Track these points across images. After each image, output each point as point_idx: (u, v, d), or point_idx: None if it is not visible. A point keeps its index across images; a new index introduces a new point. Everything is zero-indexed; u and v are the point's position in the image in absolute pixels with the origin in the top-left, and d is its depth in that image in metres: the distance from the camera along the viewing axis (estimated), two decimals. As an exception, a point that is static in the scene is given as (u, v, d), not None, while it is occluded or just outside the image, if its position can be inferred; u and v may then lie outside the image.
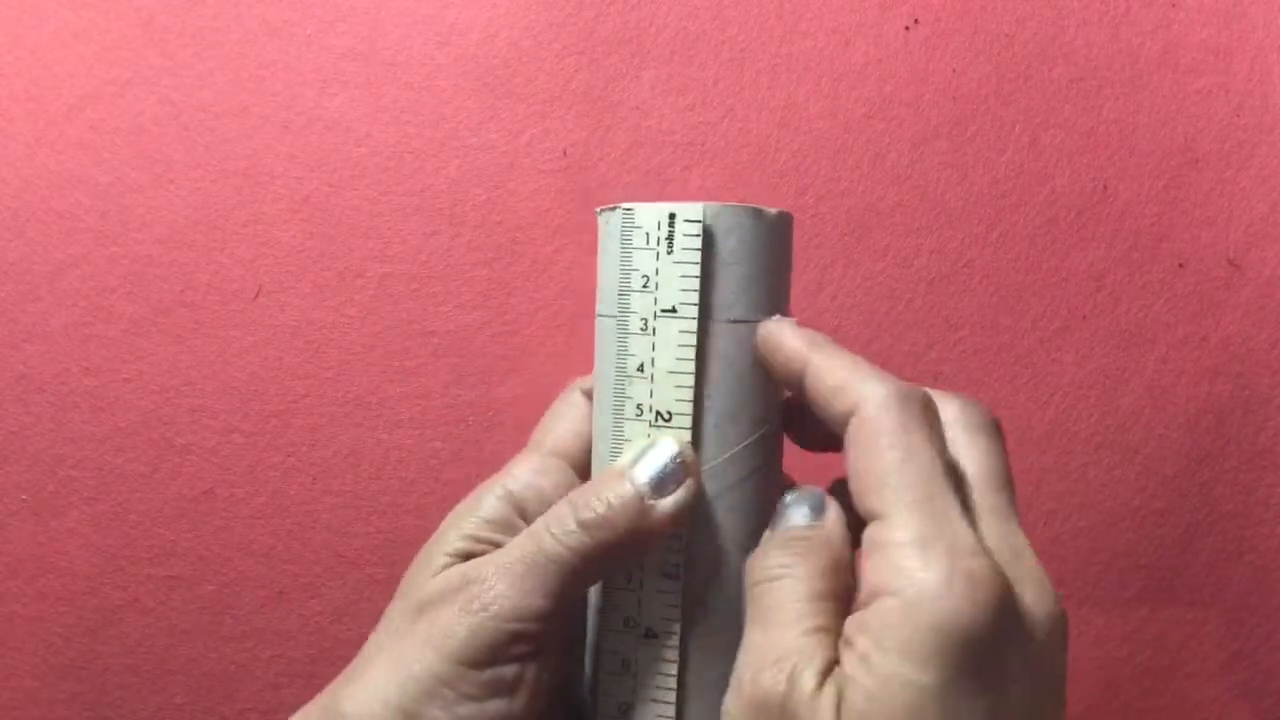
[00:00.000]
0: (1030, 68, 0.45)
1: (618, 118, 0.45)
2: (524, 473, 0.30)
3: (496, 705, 0.26)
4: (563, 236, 0.44)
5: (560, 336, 0.44)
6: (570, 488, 0.30)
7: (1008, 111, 0.44)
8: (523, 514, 0.29)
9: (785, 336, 0.27)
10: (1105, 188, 0.44)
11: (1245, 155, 0.44)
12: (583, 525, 0.26)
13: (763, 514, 0.28)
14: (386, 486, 0.44)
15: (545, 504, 0.29)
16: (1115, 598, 0.44)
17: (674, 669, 0.27)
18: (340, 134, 0.44)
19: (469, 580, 0.26)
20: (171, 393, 0.44)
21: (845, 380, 0.25)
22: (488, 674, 0.25)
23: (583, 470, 0.31)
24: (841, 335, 0.43)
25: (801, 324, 0.27)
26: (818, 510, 0.26)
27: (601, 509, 0.26)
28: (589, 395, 0.31)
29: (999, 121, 0.44)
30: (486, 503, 0.29)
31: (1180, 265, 0.44)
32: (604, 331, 0.28)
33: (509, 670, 0.26)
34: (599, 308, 0.29)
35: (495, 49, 0.45)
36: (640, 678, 0.27)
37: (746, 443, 0.28)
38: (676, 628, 0.27)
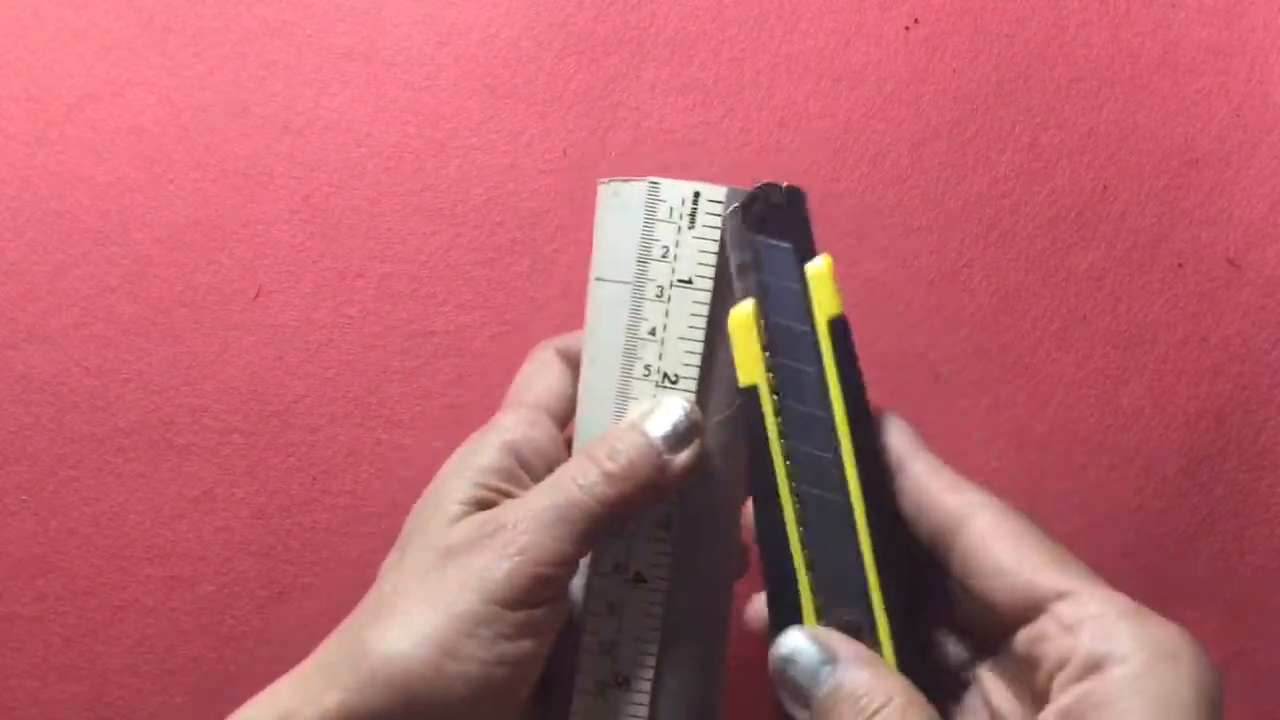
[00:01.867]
0: (1030, 68, 0.45)
1: (618, 118, 0.45)
2: (516, 424, 0.31)
3: (528, 645, 0.27)
4: (563, 236, 0.44)
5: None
6: (558, 440, 0.31)
7: (1008, 111, 0.44)
8: (521, 463, 0.30)
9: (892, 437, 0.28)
10: (1105, 188, 0.44)
11: (1245, 155, 0.44)
12: (607, 476, 0.27)
13: (743, 476, 0.31)
14: (386, 486, 0.44)
15: (540, 454, 0.30)
16: (1115, 598, 0.43)
17: (660, 611, 0.29)
18: (340, 134, 0.44)
19: (501, 526, 0.27)
20: (171, 393, 0.44)
21: (949, 488, 0.27)
22: (522, 615, 0.27)
23: (563, 425, 0.32)
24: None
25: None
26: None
27: (624, 461, 0.28)
28: (564, 355, 0.33)
29: (999, 121, 0.44)
30: (486, 453, 0.30)
31: (1180, 265, 0.44)
32: (609, 295, 0.30)
33: (539, 613, 0.27)
34: (601, 273, 0.30)
35: (495, 49, 0.45)
36: (626, 619, 0.29)
37: (737, 407, 0.30)
38: (665, 574, 0.29)
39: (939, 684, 0.27)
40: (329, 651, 0.28)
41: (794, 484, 0.28)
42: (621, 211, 0.30)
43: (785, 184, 0.29)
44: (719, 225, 0.29)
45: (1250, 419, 0.44)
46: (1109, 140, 0.44)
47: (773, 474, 0.28)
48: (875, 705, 0.24)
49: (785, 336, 0.28)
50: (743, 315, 0.29)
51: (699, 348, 0.29)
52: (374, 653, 0.26)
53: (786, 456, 0.28)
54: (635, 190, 0.30)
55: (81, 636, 0.43)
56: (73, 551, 0.43)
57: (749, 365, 0.29)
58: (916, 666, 0.27)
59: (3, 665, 0.43)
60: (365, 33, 0.45)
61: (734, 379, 0.30)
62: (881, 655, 0.27)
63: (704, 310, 0.29)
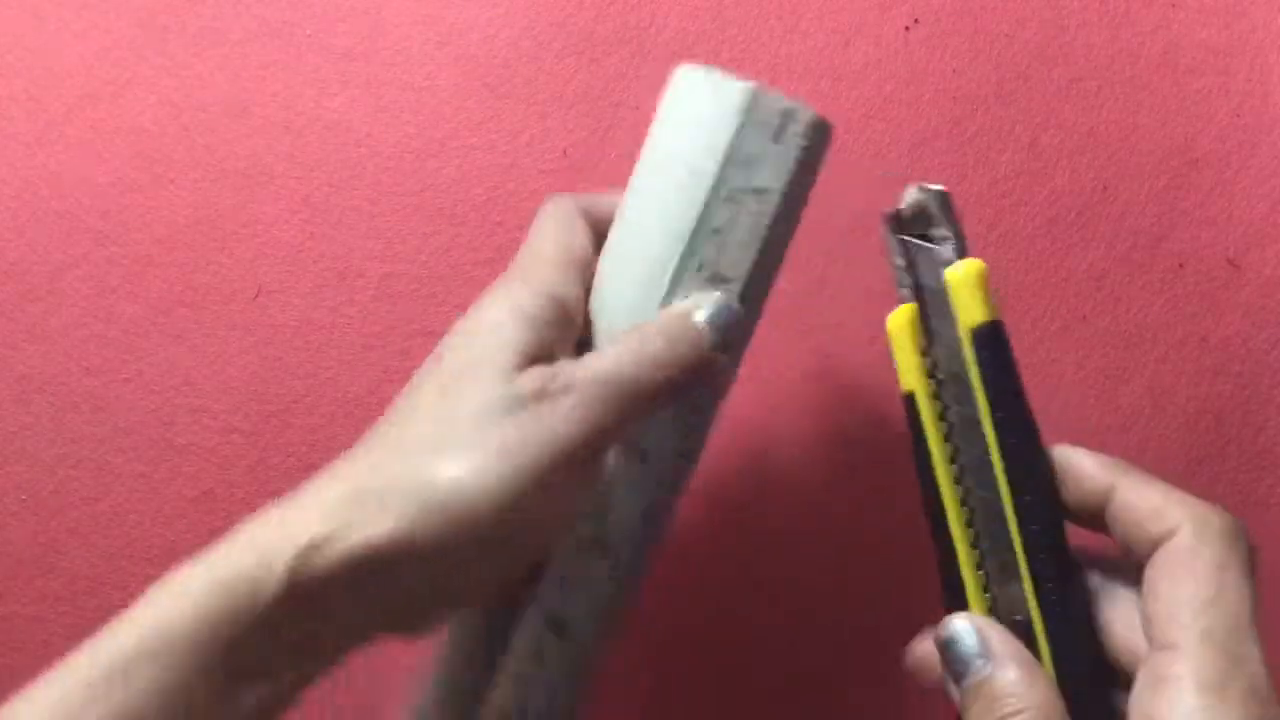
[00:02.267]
0: (1030, 68, 0.45)
1: (618, 118, 0.45)
2: (553, 279, 0.31)
3: (576, 503, 0.29)
4: (563, 236, 0.44)
5: (560, 336, 0.44)
6: (584, 301, 0.31)
7: (1008, 111, 0.44)
8: (564, 311, 0.30)
9: (1084, 463, 0.28)
10: (1105, 188, 0.44)
11: (1245, 155, 0.44)
12: (655, 361, 0.28)
13: (734, 376, 0.32)
14: (386, 486, 0.44)
15: (580, 311, 0.31)
16: (1115, 598, 0.43)
17: (653, 491, 0.31)
18: (340, 134, 0.44)
19: (568, 386, 0.27)
20: (171, 393, 0.44)
21: (1162, 504, 0.26)
22: (577, 477, 0.28)
23: (585, 288, 0.32)
24: (842, 335, 0.43)
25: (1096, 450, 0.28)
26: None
27: (681, 349, 0.29)
28: (587, 215, 0.32)
29: (999, 121, 0.44)
30: (535, 301, 0.30)
31: (1180, 265, 0.44)
32: (678, 184, 0.30)
33: (589, 475, 0.28)
34: (674, 158, 0.31)
35: (495, 49, 0.45)
36: (616, 493, 0.31)
37: (758, 314, 0.32)
38: (671, 456, 0.31)
39: (1109, 693, 0.26)
40: (369, 478, 0.27)
41: (959, 484, 0.28)
42: (712, 107, 0.30)
43: (935, 186, 0.29)
44: (801, 144, 0.30)
45: (1250, 419, 0.44)
46: (1109, 140, 0.44)
47: (935, 476, 0.28)
48: (1011, 710, 0.24)
49: (944, 339, 0.28)
50: (901, 320, 0.29)
51: (755, 255, 0.30)
52: (440, 485, 0.26)
53: (951, 459, 0.28)
54: (734, 91, 0.30)
55: (81, 636, 0.43)
56: (73, 551, 0.43)
57: (907, 371, 0.29)
58: (1077, 673, 0.26)
59: (3, 665, 0.43)
60: (365, 33, 0.45)
61: (766, 288, 0.31)
62: (1040, 657, 0.26)
63: (768, 220, 0.30)
